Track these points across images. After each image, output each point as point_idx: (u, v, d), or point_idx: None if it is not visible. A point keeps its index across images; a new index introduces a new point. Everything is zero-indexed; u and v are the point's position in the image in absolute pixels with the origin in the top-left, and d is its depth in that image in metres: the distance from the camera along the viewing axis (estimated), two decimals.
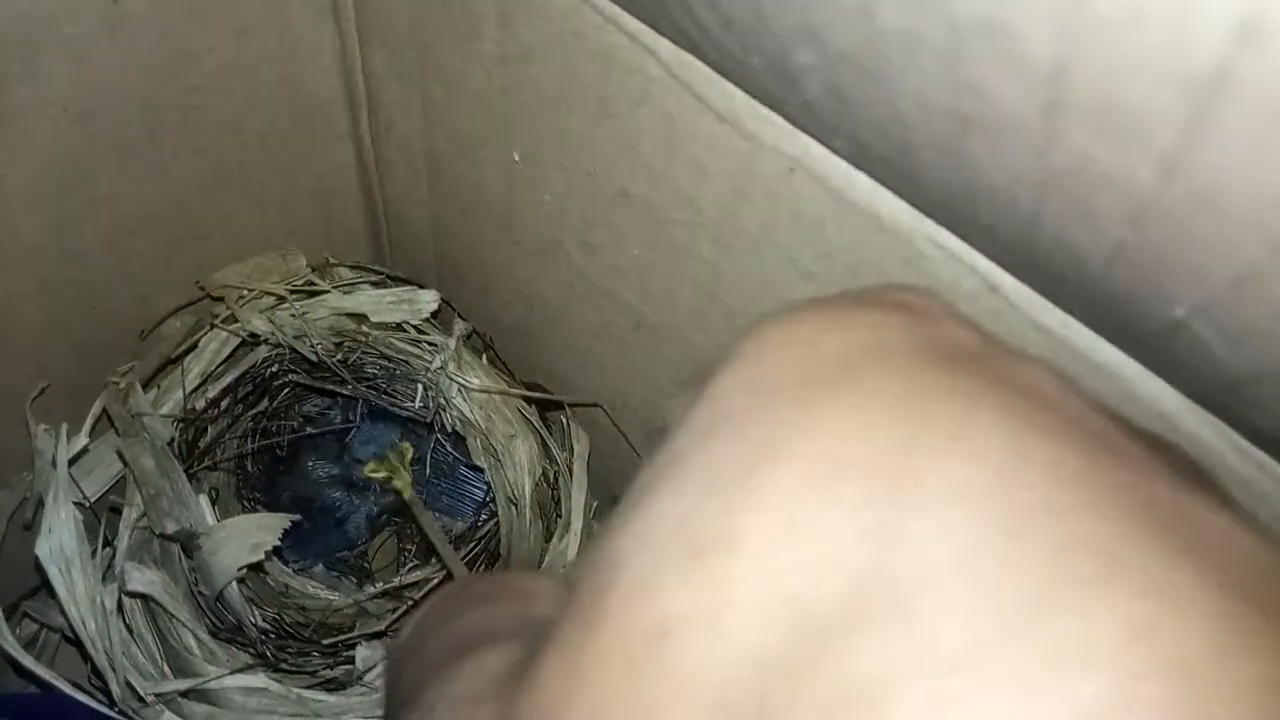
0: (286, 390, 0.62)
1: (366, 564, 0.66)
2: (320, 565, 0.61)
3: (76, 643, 0.48)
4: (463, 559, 0.56)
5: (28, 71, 0.42)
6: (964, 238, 0.32)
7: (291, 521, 0.51)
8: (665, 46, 0.38)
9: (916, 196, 0.31)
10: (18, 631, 0.59)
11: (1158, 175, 0.20)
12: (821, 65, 0.25)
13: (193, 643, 0.48)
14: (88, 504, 0.54)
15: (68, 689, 0.47)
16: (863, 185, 0.35)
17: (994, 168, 0.23)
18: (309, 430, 0.62)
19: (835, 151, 0.34)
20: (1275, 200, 0.19)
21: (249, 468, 0.63)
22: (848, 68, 0.24)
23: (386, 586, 0.59)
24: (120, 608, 0.49)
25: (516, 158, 0.50)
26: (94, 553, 0.52)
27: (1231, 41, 0.18)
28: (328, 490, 0.65)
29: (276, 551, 0.53)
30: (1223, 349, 0.23)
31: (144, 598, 0.48)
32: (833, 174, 0.35)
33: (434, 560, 0.61)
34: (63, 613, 0.46)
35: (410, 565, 0.61)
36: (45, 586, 0.48)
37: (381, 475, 0.54)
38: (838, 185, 0.35)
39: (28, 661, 0.47)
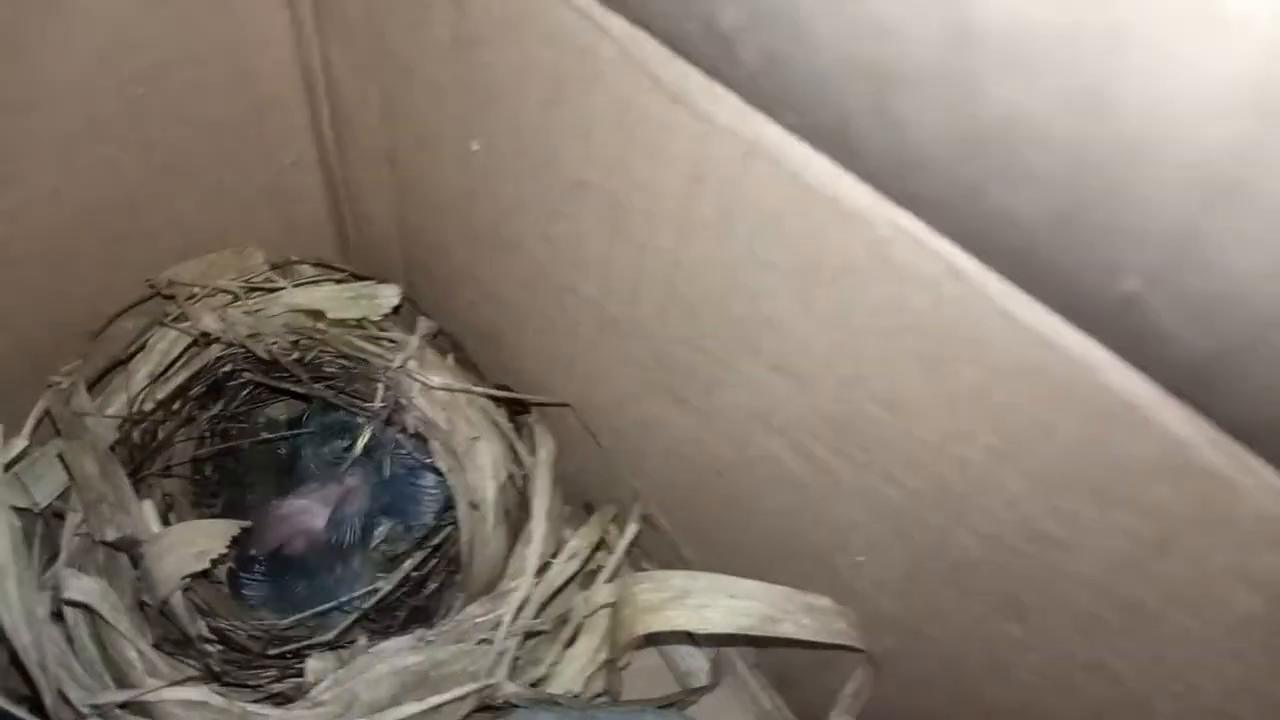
0: (245, 392, 0.59)
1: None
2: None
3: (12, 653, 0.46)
4: (420, 567, 0.54)
5: None
6: (923, 218, 0.30)
7: (241, 529, 0.48)
8: (618, 24, 0.36)
9: (866, 172, 0.29)
10: None
11: (1080, 119, 0.18)
12: (751, 25, 0.23)
13: (134, 655, 0.46)
14: (35, 509, 0.52)
15: (2, 701, 0.45)
16: (820, 167, 0.33)
17: (923, 127, 0.21)
18: (264, 435, 0.60)
19: (789, 130, 0.32)
20: (1207, 148, 0.17)
21: (206, 473, 0.61)
22: (777, 25, 0.22)
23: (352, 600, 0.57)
24: (60, 618, 0.47)
25: (474, 147, 0.48)
26: (42, 561, 0.50)
27: None
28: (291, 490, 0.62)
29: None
30: (1179, 323, 0.21)
31: (83, 607, 0.46)
32: (789, 156, 0.33)
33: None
34: None
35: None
36: None
37: None
38: (794, 168, 0.33)
39: None
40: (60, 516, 0.50)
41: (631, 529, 0.54)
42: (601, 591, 0.51)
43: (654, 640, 0.49)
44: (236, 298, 0.55)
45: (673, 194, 0.39)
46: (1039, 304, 0.30)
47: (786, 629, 0.47)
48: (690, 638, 0.61)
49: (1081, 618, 0.38)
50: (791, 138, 0.33)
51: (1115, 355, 0.29)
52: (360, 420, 0.60)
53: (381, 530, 0.62)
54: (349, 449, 0.62)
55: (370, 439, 0.62)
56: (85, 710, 0.43)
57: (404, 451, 0.60)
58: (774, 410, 0.44)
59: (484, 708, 0.49)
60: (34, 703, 0.54)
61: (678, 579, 0.48)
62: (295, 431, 0.60)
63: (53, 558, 0.50)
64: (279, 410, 0.66)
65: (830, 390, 0.40)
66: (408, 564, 0.54)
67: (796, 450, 0.45)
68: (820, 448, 0.43)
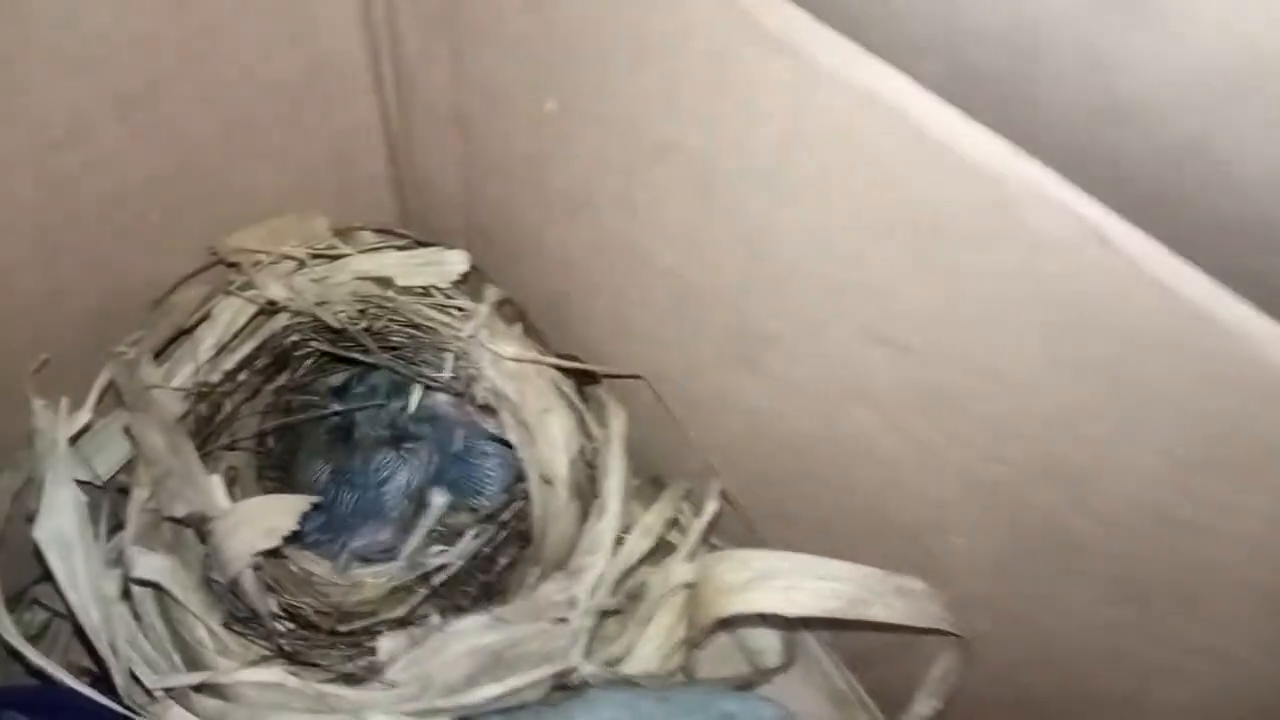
0: (309, 361, 0.58)
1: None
2: (345, 554, 0.57)
3: (80, 630, 0.44)
4: (490, 542, 0.52)
5: (10, 10, 0.38)
6: (1074, 178, 0.27)
7: (312, 504, 0.47)
8: None
9: (1020, 125, 0.27)
10: (28, 618, 0.56)
11: None
12: None
13: (204, 634, 0.45)
14: (99, 483, 0.51)
15: (71, 681, 0.44)
16: (947, 120, 0.30)
17: (1164, 73, 0.19)
18: (334, 407, 0.58)
19: (918, 79, 0.29)
20: None
21: (270, 444, 0.60)
22: None
23: (412, 560, 0.56)
24: (128, 595, 0.45)
25: (549, 107, 0.46)
26: (106, 535, 0.48)
27: None
28: (362, 455, 0.61)
29: (298, 535, 0.50)
30: None
31: (152, 585, 0.45)
32: (910, 108, 0.31)
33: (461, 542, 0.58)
34: (63, 600, 0.43)
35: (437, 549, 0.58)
36: (45, 570, 0.44)
37: None
38: (916, 121, 0.31)
39: (30, 653, 0.44)
40: (124, 492, 0.49)
41: (711, 506, 0.52)
42: (680, 570, 0.49)
43: (728, 620, 0.47)
44: (302, 264, 0.54)
45: (768, 151, 0.37)
46: (1195, 269, 0.27)
47: (877, 612, 0.45)
48: (760, 615, 0.60)
49: (1208, 605, 0.36)
50: (915, 87, 0.30)
51: None
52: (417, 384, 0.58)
53: (442, 503, 0.61)
54: (404, 410, 0.61)
55: (433, 410, 0.60)
56: (157, 693, 0.42)
57: (465, 426, 0.58)
58: (867, 382, 0.42)
59: (558, 686, 0.48)
60: (96, 676, 0.53)
61: (761, 559, 0.46)
62: (364, 405, 0.59)
63: (113, 529, 0.49)
64: (335, 378, 0.65)
65: (934, 362, 0.38)
66: (478, 540, 0.53)
67: (890, 424, 0.42)
68: (917, 422, 0.41)
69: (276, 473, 0.60)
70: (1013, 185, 0.30)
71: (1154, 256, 0.28)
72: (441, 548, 0.58)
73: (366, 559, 0.60)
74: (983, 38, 0.22)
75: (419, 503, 0.61)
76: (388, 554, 0.61)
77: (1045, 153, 0.28)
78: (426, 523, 0.58)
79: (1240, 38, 0.16)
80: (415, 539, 0.58)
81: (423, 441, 0.61)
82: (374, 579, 0.57)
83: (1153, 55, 0.18)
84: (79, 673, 0.52)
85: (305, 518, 0.47)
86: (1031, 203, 0.30)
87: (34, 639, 0.55)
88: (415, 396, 0.59)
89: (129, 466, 0.52)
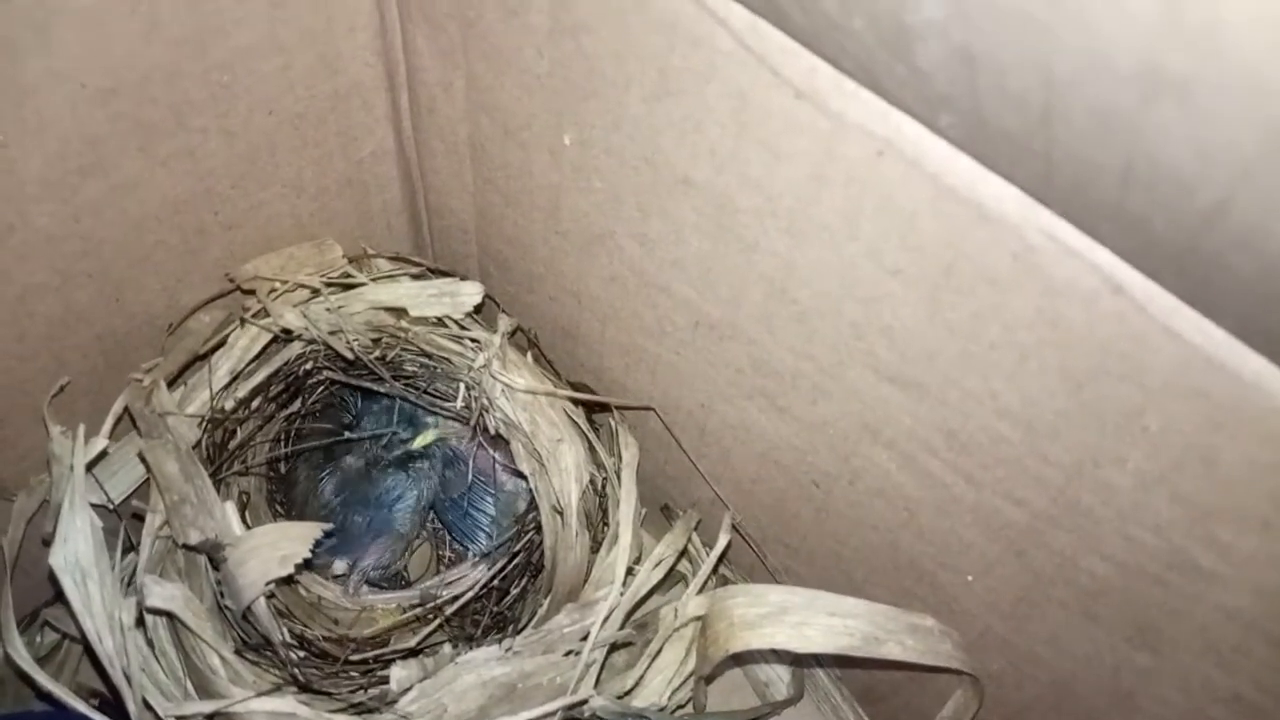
0: (322, 389, 0.58)
1: (404, 572, 0.63)
2: (356, 576, 0.58)
3: (94, 655, 0.44)
4: (503, 571, 0.52)
5: (40, 42, 0.39)
6: (1089, 230, 0.28)
7: (324, 531, 0.47)
8: (738, 14, 0.34)
9: (1037, 179, 0.27)
10: (39, 640, 0.56)
11: None
12: (952, 20, 0.21)
13: (216, 662, 0.45)
14: (110, 507, 0.51)
15: (82, 707, 0.44)
16: (964, 169, 0.30)
17: (1190, 143, 0.19)
18: (348, 435, 0.59)
19: (936, 130, 0.29)
20: None
21: (280, 470, 0.60)
22: (992, 20, 0.20)
23: (425, 592, 0.56)
24: (141, 622, 0.45)
25: (567, 140, 0.46)
26: (117, 558, 0.48)
27: None
28: (373, 477, 0.61)
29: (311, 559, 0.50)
30: None
31: (165, 613, 0.45)
32: (929, 156, 0.31)
33: (470, 568, 0.58)
34: (77, 625, 0.43)
35: (448, 576, 0.58)
36: (60, 595, 0.44)
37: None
38: (934, 169, 0.31)
39: (41, 679, 0.44)
40: (138, 517, 0.49)
41: (723, 540, 0.52)
42: (692, 603, 0.49)
43: (739, 654, 0.47)
44: (317, 293, 0.54)
45: (790, 193, 0.37)
46: (1209, 322, 0.27)
47: (890, 650, 0.44)
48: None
49: (1223, 650, 0.35)
50: (933, 137, 0.30)
51: None
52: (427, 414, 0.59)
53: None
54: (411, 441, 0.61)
55: (442, 442, 0.60)
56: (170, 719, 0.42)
57: (466, 468, 0.58)
58: (885, 422, 0.42)
59: (569, 719, 0.48)
60: (104, 699, 0.53)
61: (775, 594, 0.46)
62: (374, 433, 0.59)
63: (125, 550, 0.49)
64: (347, 404, 0.65)
65: (953, 404, 0.38)
66: (490, 571, 0.52)
67: (907, 464, 0.42)
68: (935, 463, 0.41)
69: (286, 497, 0.60)
70: (1029, 233, 0.30)
71: (1169, 307, 0.28)
72: (455, 576, 0.58)
73: (376, 583, 0.60)
74: (1002, 97, 0.22)
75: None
76: (398, 578, 0.62)
77: (1062, 207, 0.28)
78: None
79: (1264, 115, 0.16)
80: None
81: (431, 461, 0.61)
82: (385, 605, 0.57)
83: (1174, 126, 0.18)
84: (88, 695, 0.52)
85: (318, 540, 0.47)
86: (1048, 250, 0.30)
87: (42, 660, 0.55)
88: (429, 436, 0.59)
89: (140, 489, 0.52)
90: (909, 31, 0.23)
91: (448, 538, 0.63)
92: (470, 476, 0.60)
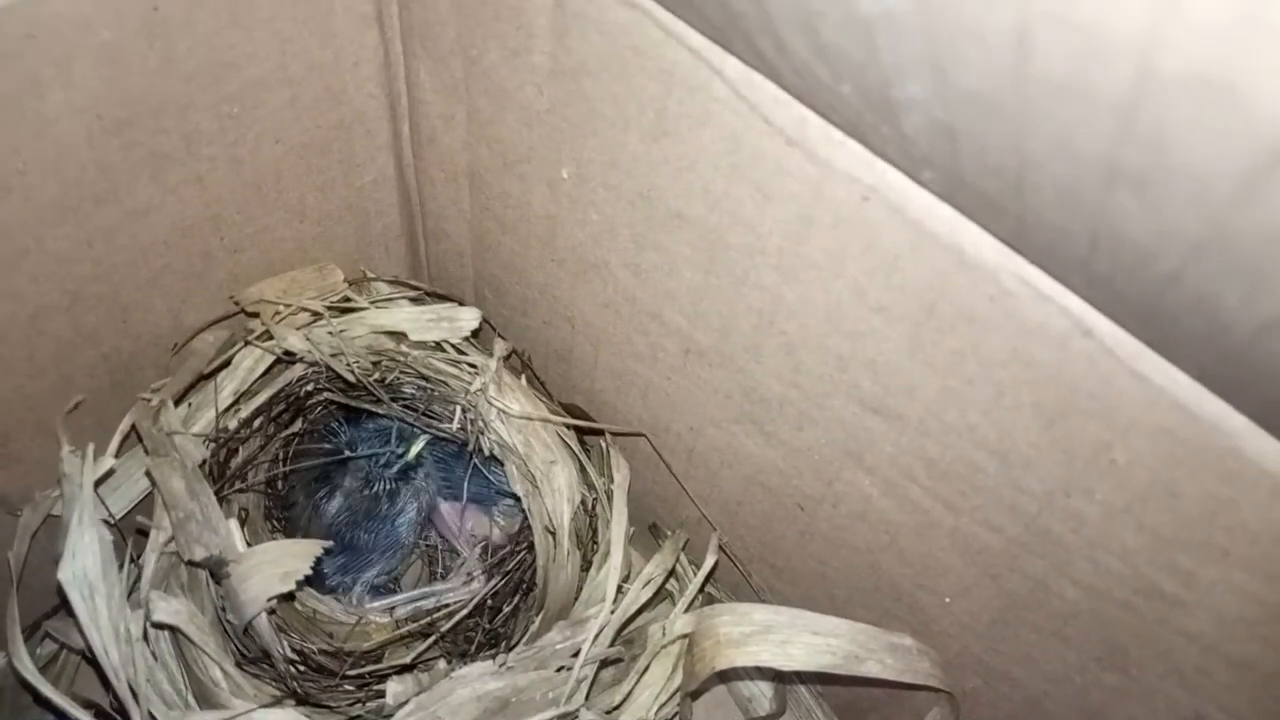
0: (321, 410, 0.60)
1: (396, 585, 0.64)
2: (358, 587, 0.59)
3: (97, 667, 0.46)
4: (495, 590, 0.54)
5: (60, 76, 0.40)
6: (1061, 279, 0.29)
7: (324, 549, 0.48)
8: (733, 65, 0.36)
9: (1012, 234, 0.29)
10: (38, 651, 0.57)
11: None
12: (934, 100, 0.23)
13: (219, 674, 0.46)
14: (112, 521, 0.52)
15: (86, 719, 0.45)
16: (944, 216, 0.32)
17: (1146, 223, 0.21)
18: (347, 454, 0.60)
19: (919, 182, 0.31)
20: None
21: (278, 488, 0.61)
22: (970, 106, 0.22)
23: (417, 607, 0.58)
24: (145, 635, 0.47)
25: (565, 174, 0.48)
26: (120, 569, 0.50)
27: None
28: (376, 494, 0.62)
29: (317, 577, 0.51)
30: None
31: (169, 628, 0.46)
32: (912, 204, 0.33)
33: (463, 584, 0.60)
34: (84, 638, 0.44)
35: (440, 588, 0.59)
36: (67, 609, 0.46)
37: None
38: (916, 215, 0.33)
39: (47, 690, 0.45)
40: (142, 533, 0.51)
41: (710, 560, 0.54)
42: (680, 621, 0.51)
43: (725, 671, 0.49)
44: (319, 316, 0.55)
45: (779, 232, 0.39)
46: (1172, 366, 0.29)
47: (870, 668, 0.46)
48: None
49: (1186, 672, 0.37)
50: (915, 187, 0.32)
51: (1254, 423, 0.29)
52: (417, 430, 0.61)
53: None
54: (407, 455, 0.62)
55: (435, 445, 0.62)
56: None
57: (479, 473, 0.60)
58: (867, 449, 0.44)
59: None
60: (101, 711, 0.54)
61: (759, 613, 0.48)
62: (372, 452, 0.60)
63: (123, 564, 0.50)
64: (347, 422, 0.66)
65: (933, 435, 0.40)
66: (484, 588, 0.54)
67: (888, 490, 0.44)
68: (915, 489, 0.43)
69: (283, 514, 0.61)
70: (1005, 278, 0.32)
71: (1135, 351, 0.30)
72: (447, 587, 0.60)
73: (379, 591, 0.62)
74: (980, 165, 0.24)
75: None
76: (394, 585, 0.63)
77: (1035, 256, 0.30)
78: None
79: (1207, 209, 0.18)
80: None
81: (428, 470, 0.63)
82: (379, 618, 0.58)
83: (1131, 209, 0.20)
84: (85, 705, 0.53)
85: (324, 558, 0.49)
86: (1023, 295, 0.32)
87: (41, 671, 0.56)
88: (419, 444, 0.61)
89: (141, 504, 0.54)
90: (894, 103, 0.25)
91: (439, 549, 0.65)
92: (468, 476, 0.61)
